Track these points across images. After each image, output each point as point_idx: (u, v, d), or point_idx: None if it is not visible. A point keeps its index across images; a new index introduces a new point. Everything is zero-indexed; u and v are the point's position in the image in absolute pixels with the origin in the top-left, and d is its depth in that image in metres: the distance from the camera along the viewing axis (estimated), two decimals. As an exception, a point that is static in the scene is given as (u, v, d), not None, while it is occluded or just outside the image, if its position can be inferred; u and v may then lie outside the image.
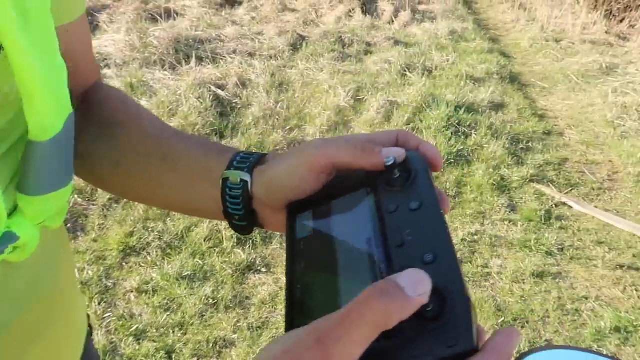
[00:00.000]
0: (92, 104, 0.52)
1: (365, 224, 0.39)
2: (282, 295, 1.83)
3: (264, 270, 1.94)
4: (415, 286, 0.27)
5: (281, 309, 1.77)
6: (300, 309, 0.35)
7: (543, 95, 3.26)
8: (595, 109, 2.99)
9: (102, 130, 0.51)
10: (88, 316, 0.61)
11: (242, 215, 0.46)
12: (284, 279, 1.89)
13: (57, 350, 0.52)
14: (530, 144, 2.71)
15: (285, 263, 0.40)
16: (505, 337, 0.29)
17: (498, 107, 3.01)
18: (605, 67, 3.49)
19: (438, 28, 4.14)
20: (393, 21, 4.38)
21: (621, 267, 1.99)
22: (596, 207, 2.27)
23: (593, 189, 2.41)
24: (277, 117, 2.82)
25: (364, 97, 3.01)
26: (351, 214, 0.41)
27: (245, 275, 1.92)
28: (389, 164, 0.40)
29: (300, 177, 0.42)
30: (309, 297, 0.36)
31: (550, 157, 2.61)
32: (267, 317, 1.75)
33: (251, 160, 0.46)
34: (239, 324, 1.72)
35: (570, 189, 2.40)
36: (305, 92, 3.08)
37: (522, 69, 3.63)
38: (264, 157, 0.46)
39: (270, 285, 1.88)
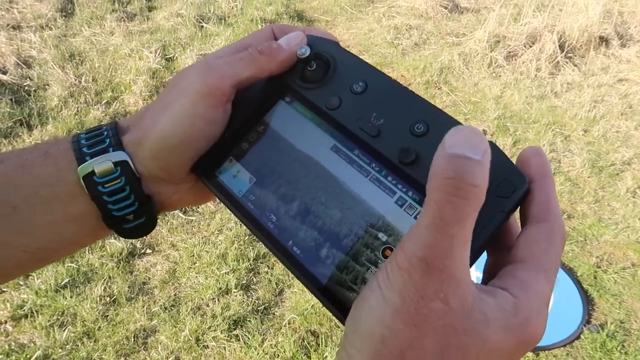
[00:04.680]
0: None
1: (315, 135, 0.30)
2: (180, 268, 1.84)
3: (148, 251, 1.88)
4: (474, 148, 0.20)
5: (185, 280, 1.77)
6: (319, 263, 0.28)
7: (329, 28, 3.60)
8: (376, 33, 3.46)
9: None
10: None
11: (137, 210, 0.34)
12: (173, 254, 1.86)
13: None
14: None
15: (254, 236, 0.34)
16: (534, 152, 0.26)
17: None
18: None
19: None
20: None
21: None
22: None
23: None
24: (85, 92, 2.55)
25: (173, 55, 2.90)
26: (286, 134, 0.31)
27: (131, 262, 1.83)
28: (305, 55, 0.32)
29: (202, 120, 0.32)
30: (320, 248, 0.28)
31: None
32: (175, 294, 1.74)
33: (107, 135, 0.33)
34: (151, 310, 1.68)
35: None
36: (107, 60, 2.81)
37: (302, 5, 3.90)
38: (117, 125, 0.34)
39: (162, 264, 1.84)
